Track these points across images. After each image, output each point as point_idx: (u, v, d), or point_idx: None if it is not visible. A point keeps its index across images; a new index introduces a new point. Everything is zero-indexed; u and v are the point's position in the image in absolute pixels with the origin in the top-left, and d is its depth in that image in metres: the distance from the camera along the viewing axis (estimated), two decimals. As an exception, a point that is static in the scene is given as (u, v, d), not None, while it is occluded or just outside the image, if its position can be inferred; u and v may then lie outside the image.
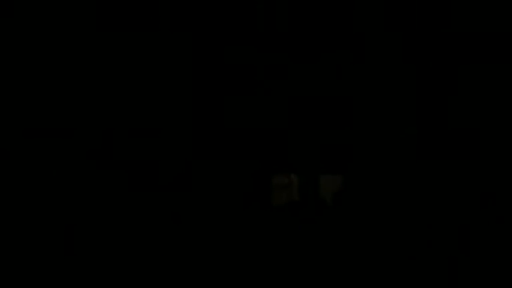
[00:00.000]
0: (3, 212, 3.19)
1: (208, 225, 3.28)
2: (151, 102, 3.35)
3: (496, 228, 3.20)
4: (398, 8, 3.35)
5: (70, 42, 3.31)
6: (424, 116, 3.34)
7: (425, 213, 3.26)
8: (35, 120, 3.27)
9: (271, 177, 3.40)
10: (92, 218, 3.24)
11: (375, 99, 3.36)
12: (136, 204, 3.28)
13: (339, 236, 3.28)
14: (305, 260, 3.23)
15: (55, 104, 3.29)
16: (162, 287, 3.18)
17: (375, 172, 3.33)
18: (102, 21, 3.33)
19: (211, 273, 3.20)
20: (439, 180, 3.28)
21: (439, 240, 3.21)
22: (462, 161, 3.27)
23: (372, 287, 3.15)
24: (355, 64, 3.37)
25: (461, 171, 3.27)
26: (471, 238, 3.19)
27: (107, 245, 3.22)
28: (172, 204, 3.30)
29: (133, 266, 3.19)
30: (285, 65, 3.37)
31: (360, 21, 3.37)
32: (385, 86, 3.37)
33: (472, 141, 3.28)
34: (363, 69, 3.37)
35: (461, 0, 3.31)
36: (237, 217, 3.31)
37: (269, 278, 3.20)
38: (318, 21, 3.38)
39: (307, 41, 3.39)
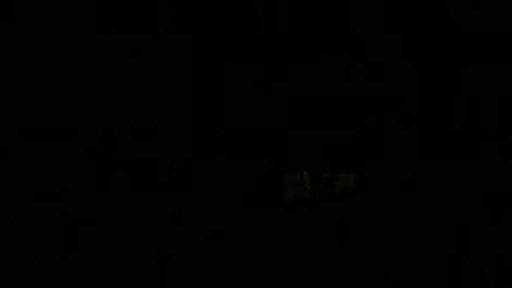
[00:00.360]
0: (3, 212, 3.18)
1: (213, 226, 3.29)
2: (153, 101, 3.35)
3: (497, 228, 3.20)
4: (398, 7, 3.36)
5: (70, 42, 3.32)
6: (424, 115, 3.34)
7: (430, 213, 3.27)
8: (34, 120, 3.26)
9: (283, 175, 3.41)
10: (92, 218, 3.24)
11: (375, 98, 3.37)
12: (137, 204, 3.28)
13: (346, 233, 3.28)
14: (310, 258, 3.23)
15: (54, 104, 3.29)
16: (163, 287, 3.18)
17: (379, 171, 3.34)
18: (101, 21, 3.33)
19: (213, 273, 3.20)
20: (440, 180, 3.29)
21: (443, 240, 3.22)
22: (463, 161, 3.28)
23: (377, 286, 3.15)
24: (355, 64, 3.38)
25: (462, 172, 3.27)
26: (472, 238, 3.20)
27: (107, 245, 3.22)
28: (174, 204, 3.30)
29: (133, 266, 3.19)
30: (288, 64, 3.38)
31: (360, 21, 3.37)
32: (386, 86, 3.37)
33: (473, 141, 3.29)
34: (363, 69, 3.38)
35: (461, 0, 3.32)
36: (245, 216, 3.32)
37: (272, 277, 3.20)
38: (318, 21, 3.39)
39: (307, 41, 3.39)
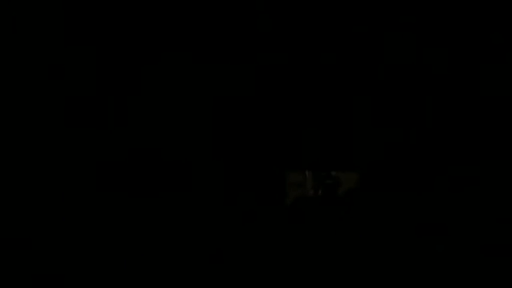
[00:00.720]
0: (3, 212, 3.19)
1: (215, 225, 3.29)
2: (156, 102, 3.36)
3: (497, 229, 3.20)
4: (397, 8, 3.36)
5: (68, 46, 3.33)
6: (426, 116, 3.35)
7: (434, 213, 3.27)
8: (35, 121, 3.27)
9: (286, 175, 3.42)
10: (92, 218, 3.25)
11: (378, 99, 3.38)
12: (138, 204, 3.29)
13: (346, 233, 3.29)
14: (310, 257, 3.24)
15: (56, 104, 3.30)
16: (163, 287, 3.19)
17: (380, 171, 3.34)
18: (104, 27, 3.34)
19: (213, 273, 3.21)
20: (442, 180, 3.29)
21: (448, 240, 3.22)
22: (468, 162, 3.28)
23: (378, 285, 3.16)
24: (356, 64, 3.39)
25: (466, 173, 3.28)
26: (472, 238, 3.20)
27: (107, 245, 3.22)
28: (177, 203, 3.31)
29: (133, 266, 3.20)
30: (291, 64, 3.39)
31: (360, 21, 3.38)
32: (386, 86, 3.38)
33: (479, 142, 3.29)
34: (365, 69, 3.38)
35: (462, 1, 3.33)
36: (249, 216, 3.32)
37: (272, 277, 3.20)
38: (318, 21, 3.39)
39: (307, 41, 3.40)
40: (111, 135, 3.32)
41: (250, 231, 3.29)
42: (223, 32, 3.38)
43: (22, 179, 3.21)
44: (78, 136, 3.29)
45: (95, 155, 3.29)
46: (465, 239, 3.20)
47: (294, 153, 3.39)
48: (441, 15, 3.33)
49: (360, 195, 3.36)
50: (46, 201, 3.22)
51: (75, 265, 3.17)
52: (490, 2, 3.28)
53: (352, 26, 3.37)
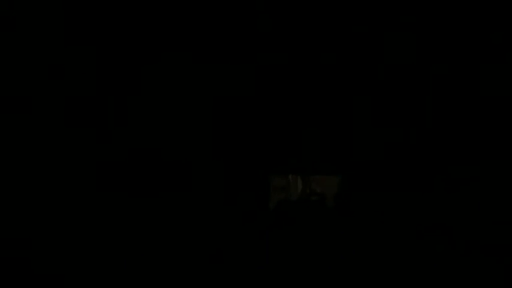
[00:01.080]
0: (3, 212, 3.19)
1: (206, 226, 3.29)
2: (150, 103, 3.36)
3: (495, 229, 3.20)
4: (397, 8, 3.36)
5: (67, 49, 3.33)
6: (426, 116, 3.34)
7: (422, 215, 3.27)
8: (35, 120, 3.27)
9: (270, 179, 3.44)
10: (92, 218, 3.25)
11: (373, 100, 3.37)
12: (138, 204, 3.29)
13: (329, 235, 3.29)
14: (298, 259, 3.24)
15: (56, 104, 3.30)
16: (162, 287, 3.19)
17: (371, 173, 3.34)
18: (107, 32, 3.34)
19: (210, 273, 3.21)
20: (442, 180, 3.29)
21: (435, 241, 3.22)
22: (467, 162, 3.28)
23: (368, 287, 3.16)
24: (355, 64, 3.39)
25: (466, 173, 3.28)
26: (468, 238, 3.20)
27: (107, 245, 3.22)
28: (171, 204, 3.31)
29: (133, 266, 3.20)
30: (286, 65, 3.38)
31: (360, 21, 3.37)
32: (386, 86, 3.38)
33: (471, 144, 3.29)
34: (363, 71, 3.38)
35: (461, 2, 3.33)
36: (233, 218, 3.32)
37: (265, 277, 3.21)
38: (318, 21, 3.39)
39: (307, 41, 3.40)
40: (111, 135, 3.32)
41: (240, 232, 3.30)
42: (223, 32, 3.39)
43: (22, 179, 3.21)
44: (78, 136, 3.29)
45: (95, 155, 3.29)
46: (465, 239, 3.20)
47: (278, 157, 3.40)
48: (441, 15, 3.33)
49: (356, 196, 3.36)
50: (46, 201, 3.22)
51: (75, 265, 3.17)
52: (490, 2, 3.28)
53: (352, 26, 3.37)
